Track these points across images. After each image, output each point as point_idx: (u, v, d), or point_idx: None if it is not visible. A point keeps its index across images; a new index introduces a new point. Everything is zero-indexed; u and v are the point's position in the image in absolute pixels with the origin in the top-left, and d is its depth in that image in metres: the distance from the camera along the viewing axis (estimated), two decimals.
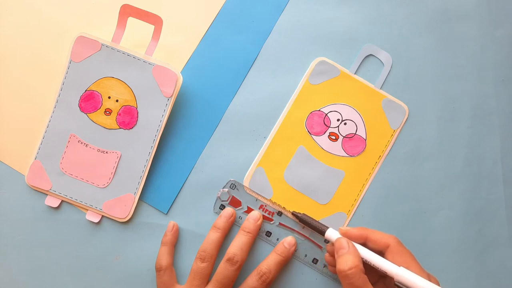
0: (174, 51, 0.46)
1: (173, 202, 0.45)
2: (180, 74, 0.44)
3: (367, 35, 0.47)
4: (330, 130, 0.46)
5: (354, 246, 0.38)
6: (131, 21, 0.44)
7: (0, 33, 0.46)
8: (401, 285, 0.36)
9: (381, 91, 0.46)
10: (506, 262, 0.45)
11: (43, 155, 0.44)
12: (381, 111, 0.46)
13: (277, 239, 0.44)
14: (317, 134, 0.46)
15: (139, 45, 0.45)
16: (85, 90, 0.44)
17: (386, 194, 0.45)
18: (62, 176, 0.44)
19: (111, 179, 0.44)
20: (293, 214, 0.43)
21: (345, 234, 0.39)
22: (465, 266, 0.45)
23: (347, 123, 0.46)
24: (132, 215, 0.44)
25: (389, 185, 0.45)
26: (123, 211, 0.44)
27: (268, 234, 0.44)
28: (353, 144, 0.46)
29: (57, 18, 0.46)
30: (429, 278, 0.36)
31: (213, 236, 0.42)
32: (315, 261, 0.44)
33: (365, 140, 0.46)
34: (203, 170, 0.45)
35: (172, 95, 0.44)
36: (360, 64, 0.46)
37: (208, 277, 0.41)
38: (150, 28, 0.44)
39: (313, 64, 0.46)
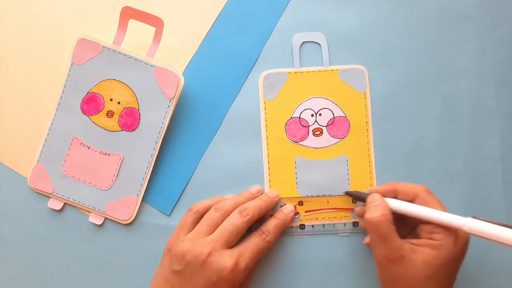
0: (175, 53, 0.46)
1: (176, 204, 0.45)
2: (182, 75, 0.44)
3: (367, 35, 0.47)
4: (311, 128, 0.46)
5: (384, 200, 0.39)
6: (132, 23, 0.44)
7: (2, 36, 0.46)
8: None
9: (332, 67, 0.46)
10: (505, 263, 0.45)
11: (46, 157, 0.44)
12: (343, 83, 0.46)
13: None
14: (303, 139, 0.46)
15: (141, 47, 0.45)
16: (87, 93, 0.44)
17: None
18: (65, 178, 0.44)
19: (113, 181, 0.44)
20: (346, 193, 0.45)
21: (375, 192, 0.41)
22: (464, 266, 0.45)
23: (321, 113, 0.46)
24: (135, 216, 0.44)
25: None
26: (126, 213, 0.44)
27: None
28: (338, 127, 0.46)
29: (58, 20, 0.46)
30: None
31: (236, 197, 0.43)
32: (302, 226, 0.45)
33: (346, 117, 0.46)
34: (206, 171, 0.45)
35: (174, 97, 0.44)
36: (300, 55, 0.46)
37: (217, 227, 0.40)
38: (151, 30, 0.44)
39: (260, 81, 0.46)
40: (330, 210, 0.45)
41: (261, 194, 0.44)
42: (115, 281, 0.44)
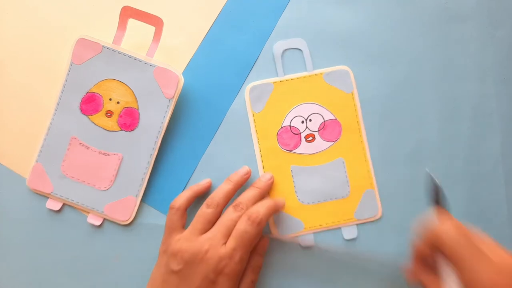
0: (175, 53, 0.46)
1: None
2: (181, 75, 0.44)
3: (367, 35, 0.47)
4: (302, 135, 0.45)
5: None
6: (132, 22, 0.44)
7: (1, 36, 0.46)
8: None
9: (316, 71, 0.46)
10: None
11: (44, 158, 0.44)
12: (329, 86, 0.46)
13: None
14: (296, 147, 0.45)
15: (140, 47, 0.45)
16: (86, 92, 0.44)
17: (387, 194, 0.45)
18: (64, 179, 0.44)
19: (112, 181, 0.44)
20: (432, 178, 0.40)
21: None
22: None
23: (311, 119, 0.46)
24: (134, 217, 0.44)
25: (389, 185, 0.46)
26: (125, 214, 0.44)
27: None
28: (330, 130, 0.46)
29: (58, 20, 0.46)
30: None
31: (224, 187, 0.42)
32: None
33: (336, 119, 0.46)
34: (205, 171, 0.45)
35: (173, 97, 0.44)
36: (284, 63, 0.46)
37: (212, 223, 0.40)
38: (151, 29, 0.43)
39: (246, 94, 0.46)
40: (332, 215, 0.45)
41: (249, 175, 0.44)
42: (114, 281, 0.44)
